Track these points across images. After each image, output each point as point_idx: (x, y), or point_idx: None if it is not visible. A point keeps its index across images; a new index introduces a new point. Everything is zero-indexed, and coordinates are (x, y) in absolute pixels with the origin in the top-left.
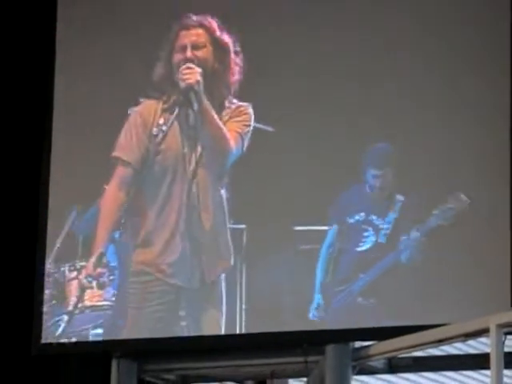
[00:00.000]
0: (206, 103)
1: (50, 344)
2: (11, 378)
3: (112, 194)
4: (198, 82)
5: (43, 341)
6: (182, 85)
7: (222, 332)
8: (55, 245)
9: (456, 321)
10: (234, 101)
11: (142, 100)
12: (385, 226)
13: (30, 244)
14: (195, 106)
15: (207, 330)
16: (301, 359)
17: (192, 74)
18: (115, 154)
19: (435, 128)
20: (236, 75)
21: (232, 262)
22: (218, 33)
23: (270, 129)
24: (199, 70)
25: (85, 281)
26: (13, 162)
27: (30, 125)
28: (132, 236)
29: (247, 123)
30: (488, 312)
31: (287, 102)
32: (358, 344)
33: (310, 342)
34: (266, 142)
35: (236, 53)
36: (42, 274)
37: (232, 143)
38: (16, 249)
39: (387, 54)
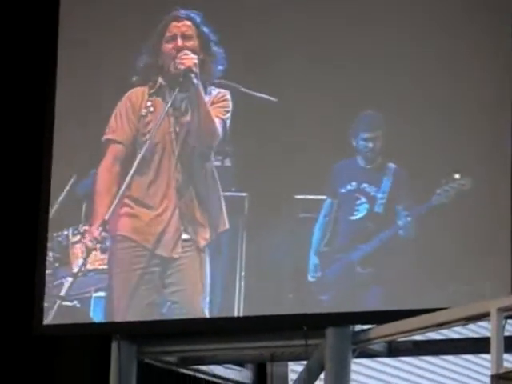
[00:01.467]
0: (201, 86)
1: (51, 325)
2: (11, 358)
3: (107, 168)
4: (195, 64)
5: (45, 303)
6: (181, 67)
7: (207, 299)
8: (57, 209)
9: (453, 303)
10: (213, 87)
11: (130, 86)
12: (379, 196)
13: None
14: (192, 88)
15: (192, 297)
16: (301, 342)
17: (189, 59)
18: (107, 136)
19: (439, 104)
20: (219, 65)
21: (218, 231)
22: (202, 26)
23: (272, 99)
24: (195, 56)
25: (90, 243)
26: (17, 139)
27: (33, 106)
28: (118, 206)
29: (227, 109)
30: (486, 294)
31: (286, 75)
32: (358, 327)
33: (310, 325)
34: (270, 113)
35: (218, 44)
36: (44, 260)
37: (217, 127)
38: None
39: (381, 26)
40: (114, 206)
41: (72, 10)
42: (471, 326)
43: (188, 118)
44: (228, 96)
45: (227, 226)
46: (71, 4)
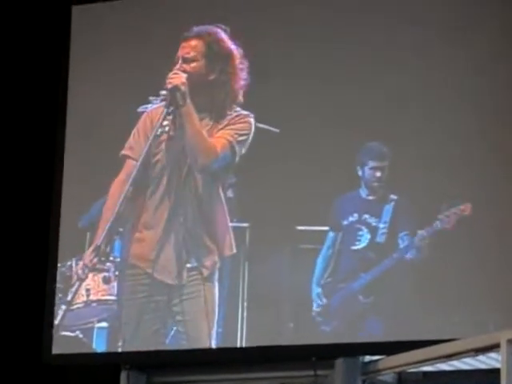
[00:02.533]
0: (190, 106)
1: (60, 355)
2: None
3: (118, 188)
4: (183, 83)
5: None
6: (170, 87)
7: (213, 329)
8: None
9: (459, 332)
10: (238, 109)
11: (152, 104)
12: (380, 226)
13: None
14: (179, 107)
15: (197, 327)
16: (310, 373)
17: (177, 78)
18: (124, 152)
19: (440, 129)
20: (239, 83)
21: (221, 257)
22: (220, 42)
23: (275, 130)
24: (184, 75)
25: (80, 271)
26: (28, 161)
27: (44, 126)
28: (131, 230)
29: (242, 132)
30: (494, 324)
31: (292, 105)
32: (367, 358)
33: (319, 356)
34: (272, 143)
35: (241, 61)
36: (54, 288)
37: (217, 149)
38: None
39: (386, 54)
40: (106, 231)
41: (85, 24)
42: (482, 357)
43: (188, 138)
44: (248, 118)
45: (234, 250)
46: (83, 23)
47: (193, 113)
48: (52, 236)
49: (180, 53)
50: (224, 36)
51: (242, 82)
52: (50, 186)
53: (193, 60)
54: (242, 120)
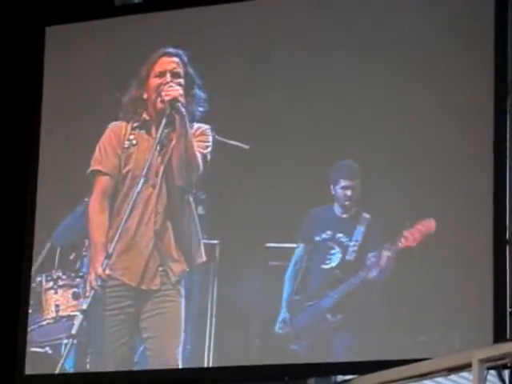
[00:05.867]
0: (187, 117)
1: (31, 375)
2: None
3: (97, 204)
4: (181, 95)
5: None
6: (167, 98)
7: (181, 344)
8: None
9: (429, 350)
10: (194, 123)
11: (115, 121)
12: (351, 244)
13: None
14: (179, 118)
15: (166, 344)
16: None
17: (174, 90)
18: (92, 168)
19: (409, 148)
20: (199, 106)
21: (190, 270)
22: (187, 66)
23: (245, 146)
24: (179, 87)
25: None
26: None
27: (17, 143)
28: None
29: (207, 144)
30: (459, 341)
31: (261, 121)
32: (340, 377)
33: (291, 375)
34: (242, 160)
35: (200, 88)
36: (27, 315)
37: (199, 160)
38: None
39: (360, 70)
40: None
41: (58, 48)
42: (454, 376)
43: (171, 149)
44: (208, 131)
45: (204, 258)
46: (57, 44)
47: (188, 125)
48: (26, 252)
49: (166, 66)
50: (187, 60)
51: (201, 108)
52: (23, 200)
53: (179, 76)
54: (205, 132)
